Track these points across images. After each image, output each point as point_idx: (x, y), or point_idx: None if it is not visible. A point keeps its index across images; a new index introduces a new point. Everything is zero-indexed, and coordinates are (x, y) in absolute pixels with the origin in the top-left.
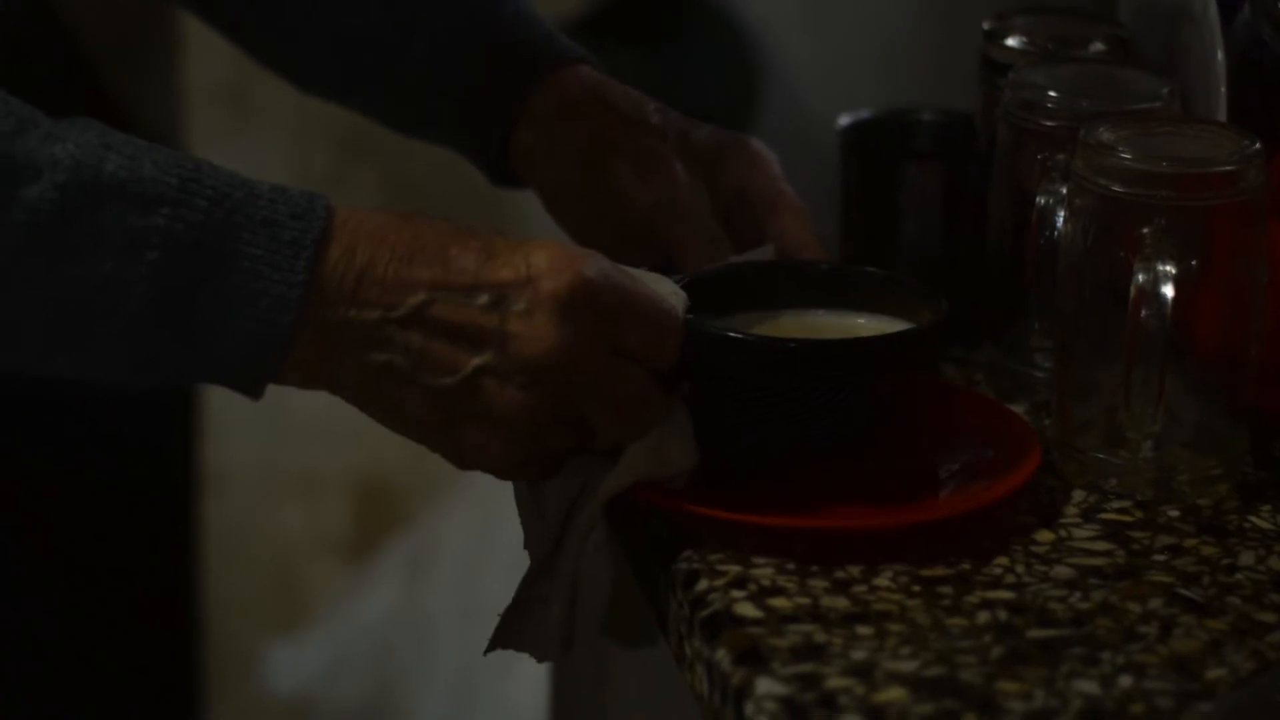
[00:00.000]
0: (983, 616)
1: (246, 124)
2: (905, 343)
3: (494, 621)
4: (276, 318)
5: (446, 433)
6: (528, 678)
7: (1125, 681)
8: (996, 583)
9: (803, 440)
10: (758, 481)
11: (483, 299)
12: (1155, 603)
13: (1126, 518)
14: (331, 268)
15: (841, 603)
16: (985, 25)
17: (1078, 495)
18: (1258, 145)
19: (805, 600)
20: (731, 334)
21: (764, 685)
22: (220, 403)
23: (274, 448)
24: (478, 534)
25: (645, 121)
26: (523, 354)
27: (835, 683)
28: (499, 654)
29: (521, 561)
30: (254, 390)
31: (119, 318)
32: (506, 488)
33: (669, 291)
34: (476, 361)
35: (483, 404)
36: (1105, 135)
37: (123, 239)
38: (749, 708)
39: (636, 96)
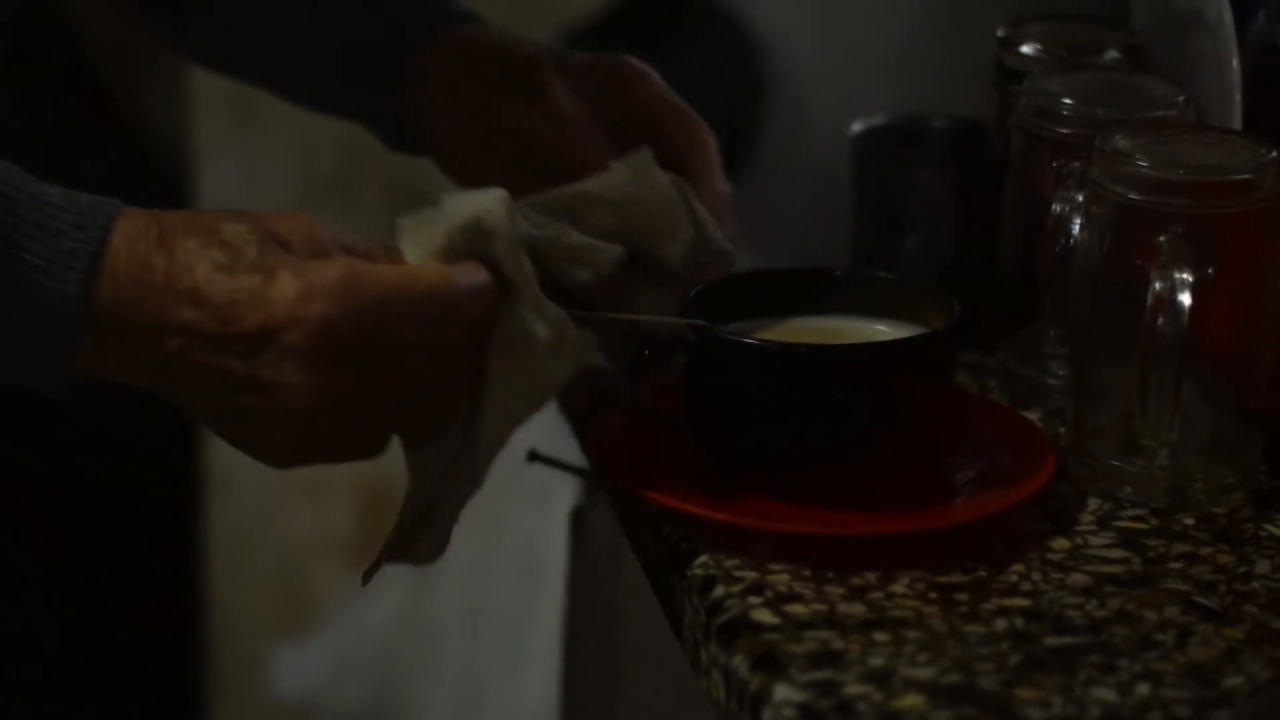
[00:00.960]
0: (999, 623)
1: (251, 130)
2: (917, 348)
3: (500, 625)
4: (53, 326)
5: (235, 442)
6: (536, 680)
7: (1143, 689)
8: (1013, 590)
9: (814, 445)
10: (773, 487)
11: (234, 349)
12: (1171, 611)
13: (1142, 525)
14: (111, 298)
15: (858, 609)
16: (1000, 32)
17: (1093, 503)
18: (1274, 153)
19: (822, 606)
20: (743, 339)
21: (782, 691)
22: None
23: None
24: (482, 536)
25: (523, 55)
26: (282, 400)
27: (853, 689)
28: (506, 657)
29: (526, 568)
30: (45, 386)
31: None
32: (511, 491)
33: (482, 204)
34: (241, 400)
35: (260, 430)
36: (1121, 143)
37: None
38: (767, 714)
39: (513, 35)
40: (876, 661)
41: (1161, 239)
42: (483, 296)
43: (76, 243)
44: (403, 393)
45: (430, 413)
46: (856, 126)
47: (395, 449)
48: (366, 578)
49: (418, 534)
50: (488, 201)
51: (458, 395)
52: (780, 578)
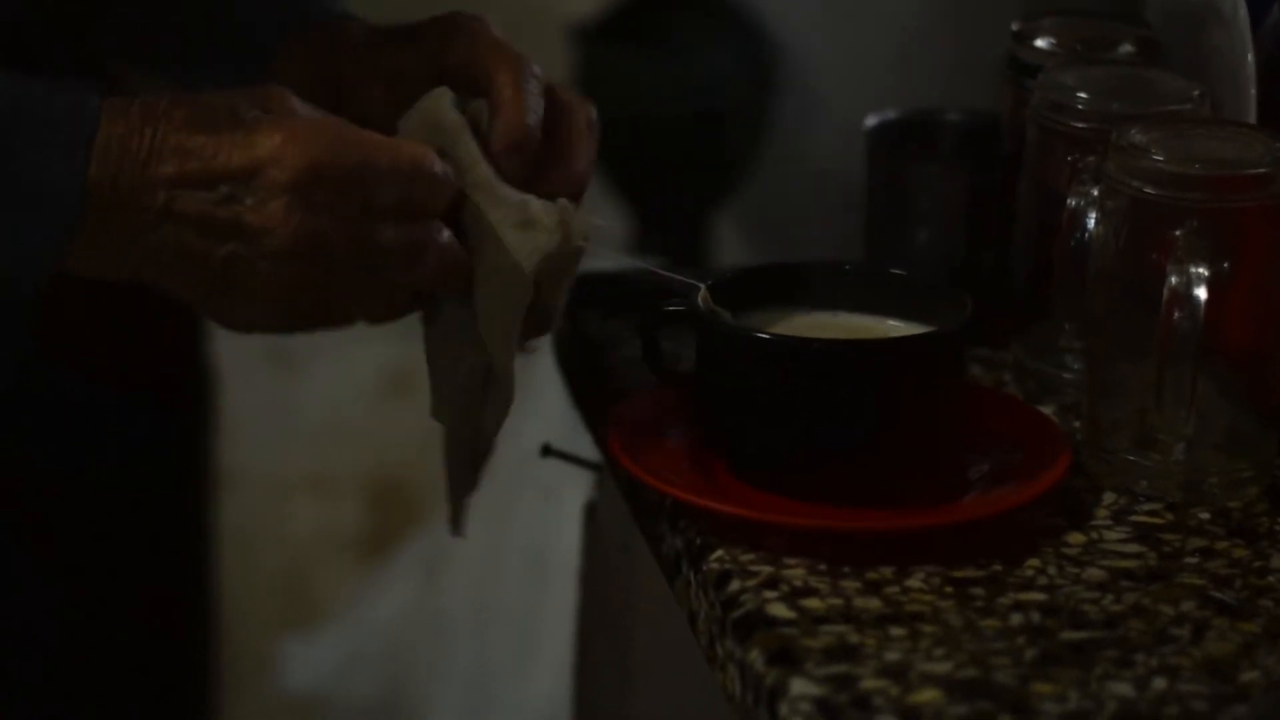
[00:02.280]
0: (1015, 618)
1: None
2: (931, 344)
3: (510, 621)
4: (52, 219)
5: (218, 309)
6: (547, 677)
7: (1159, 684)
8: (1029, 584)
9: (826, 440)
10: (786, 482)
11: (221, 190)
12: (1187, 605)
13: (1157, 520)
14: (96, 174)
15: (874, 604)
16: (1014, 26)
17: (1108, 497)
18: None
19: (838, 601)
20: (756, 333)
21: (798, 686)
22: (234, 401)
23: (287, 447)
24: (493, 531)
25: (360, 40)
26: (264, 243)
27: (870, 684)
28: (516, 653)
29: (536, 563)
30: (30, 284)
31: None
32: (521, 486)
33: (429, 99)
34: (223, 251)
35: (242, 286)
36: (1137, 137)
37: None
38: (783, 708)
39: (356, 22)
40: (893, 656)
41: (1177, 233)
42: (453, 180)
43: (72, 127)
44: (374, 258)
45: (396, 290)
46: (869, 121)
47: (406, 446)
48: (457, 527)
49: (479, 461)
50: (433, 97)
51: (425, 277)
52: (796, 572)
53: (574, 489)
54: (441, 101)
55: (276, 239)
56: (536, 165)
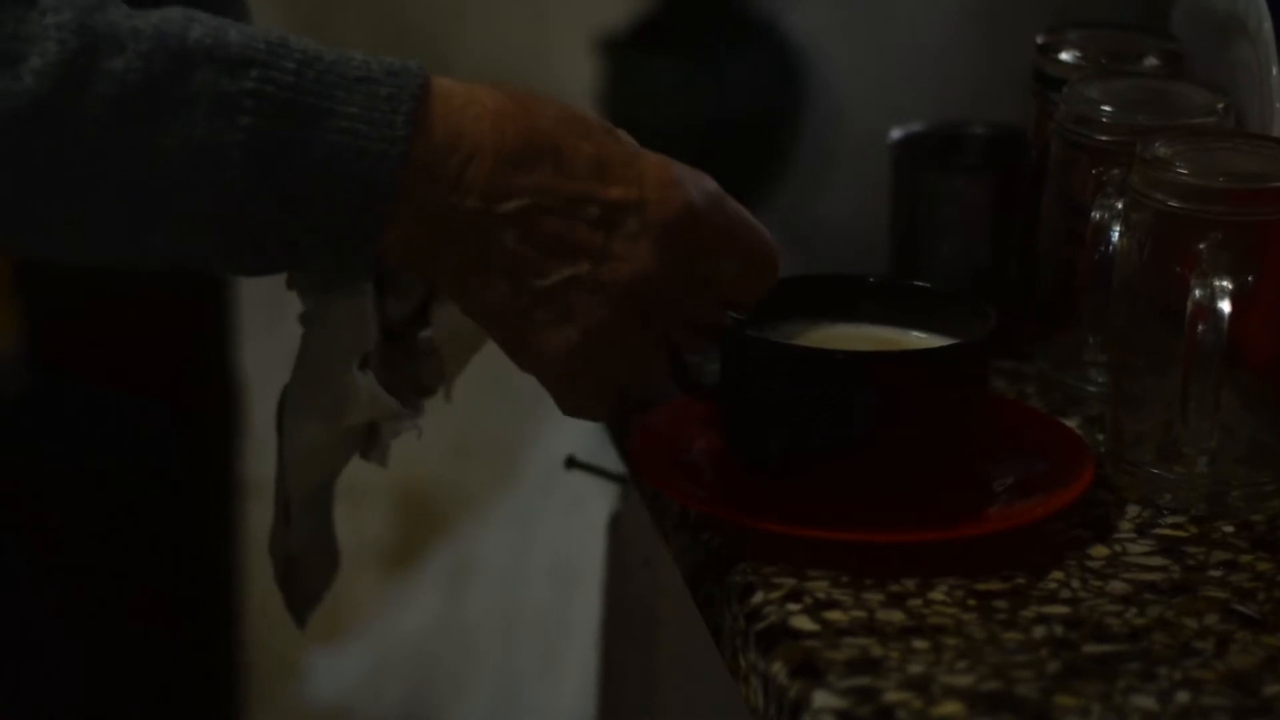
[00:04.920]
0: (1039, 631)
1: None
2: (953, 356)
3: (535, 632)
4: (378, 174)
5: (519, 331)
6: (572, 688)
7: (1183, 697)
8: (1052, 597)
9: (849, 452)
10: (809, 494)
11: (591, 212)
12: (1211, 618)
13: (1181, 533)
14: (436, 148)
15: (897, 616)
16: (1039, 39)
17: (1131, 510)
18: None
19: (861, 613)
20: (781, 344)
21: (821, 698)
22: (263, 409)
23: None
24: (519, 544)
25: None
26: (619, 274)
27: (892, 696)
28: (541, 663)
29: (562, 574)
30: (358, 265)
31: (214, 186)
32: (549, 497)
33: None
34: (569, 271)
35: (564, 311)
36: (1161, 150)
37: (213, 104)
38: None
39: None
40: (916, 669)
41: (1201, 246)
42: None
43: (393, 88)
44: (666, 321)
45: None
46: (895, 134)
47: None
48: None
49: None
50: None
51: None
52: (819, 584)
53: (599, 500)
54: None
55: (635, 273)
56: None
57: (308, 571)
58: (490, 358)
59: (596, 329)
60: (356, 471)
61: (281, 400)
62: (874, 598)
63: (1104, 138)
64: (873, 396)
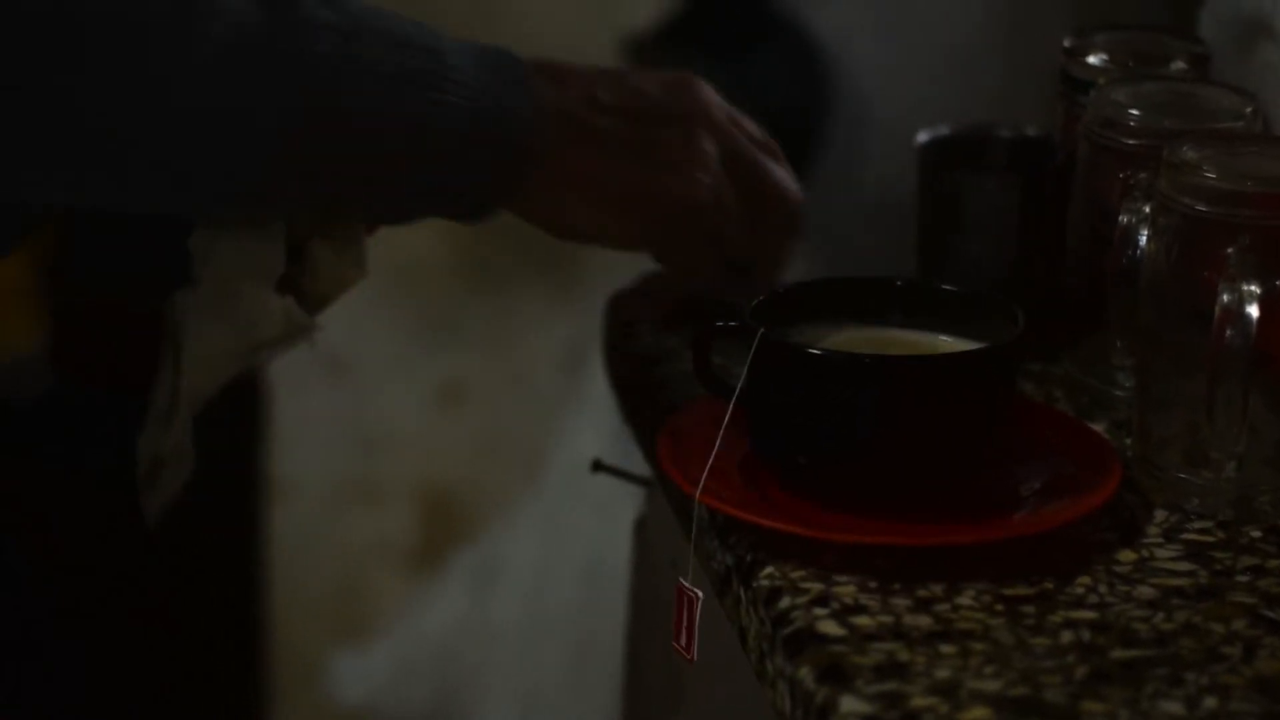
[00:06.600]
0: (1066, 636)
1: None
2: (981, 360)
3: (561, 634)
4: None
5: (645, 193)
6: (598, 690)
7: (1210, 702)
8: (1079, 602)
9: (876, 456)
10: (836, 497)
11: (661, 106)
12: (1239, 624)
13: (1208, 538)
14: (538, 100)
15: (924, 621)
16: (1066, 43)
17: (1159, 514)
18: None
19: (888, 618)
20: (808, 348)
21: (848, 703)
22: (288, 411)
23: (341, 456)
24: (544, 545)
25: None
26: (709, 143)
27: (919, 701)
28: (567, 666)
29: (588, 576)
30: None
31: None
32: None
33: None
34: (669, 133)
35: (680, 162)
36: (1189, 154)
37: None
38: None
39: None
40: (943, 674)
41: (1229, 250)
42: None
43: (498, 58)
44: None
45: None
46: (922, 136)
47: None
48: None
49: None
50: None
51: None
52: (846, 589)
53: (625, 503)
54: None
55: (711, 147)
56: None
57: (168, 472)
58: (515, 358)
59: (711, 179)
60: (380, 471)
61: (171, 309)
62: (901, 602)
63: (1131, 141)
64: (900, 401)
